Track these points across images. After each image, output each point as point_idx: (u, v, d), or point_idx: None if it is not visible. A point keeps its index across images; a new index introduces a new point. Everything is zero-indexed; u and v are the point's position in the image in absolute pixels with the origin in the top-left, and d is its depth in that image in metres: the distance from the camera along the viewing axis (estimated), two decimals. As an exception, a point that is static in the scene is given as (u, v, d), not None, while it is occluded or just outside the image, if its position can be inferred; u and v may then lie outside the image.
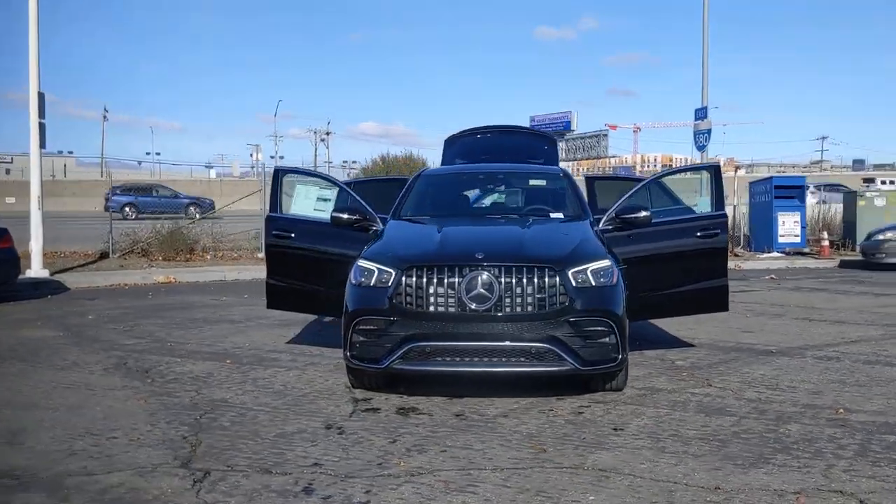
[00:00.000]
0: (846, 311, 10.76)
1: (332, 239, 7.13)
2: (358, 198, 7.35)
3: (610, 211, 6.98)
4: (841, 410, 5.66)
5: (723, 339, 8.52)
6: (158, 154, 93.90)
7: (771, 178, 22.51)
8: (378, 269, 5.82)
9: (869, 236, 17.59)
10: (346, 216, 6.91)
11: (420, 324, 5.60)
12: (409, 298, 5.63)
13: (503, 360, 5.59)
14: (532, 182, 7.77)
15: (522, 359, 5.60)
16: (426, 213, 7.28)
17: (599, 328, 5.66)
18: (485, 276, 5.54)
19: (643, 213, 6.66)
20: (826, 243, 19.71)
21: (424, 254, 5.79)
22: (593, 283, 5.68)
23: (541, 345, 5.55)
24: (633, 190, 7.18)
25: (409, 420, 5.47)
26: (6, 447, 4.92)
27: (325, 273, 7.13)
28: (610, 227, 6.81)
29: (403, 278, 5.65)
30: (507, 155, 8.72)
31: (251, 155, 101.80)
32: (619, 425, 5.31)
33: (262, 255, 18.56)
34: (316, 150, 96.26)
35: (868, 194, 21.71)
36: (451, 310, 5.56)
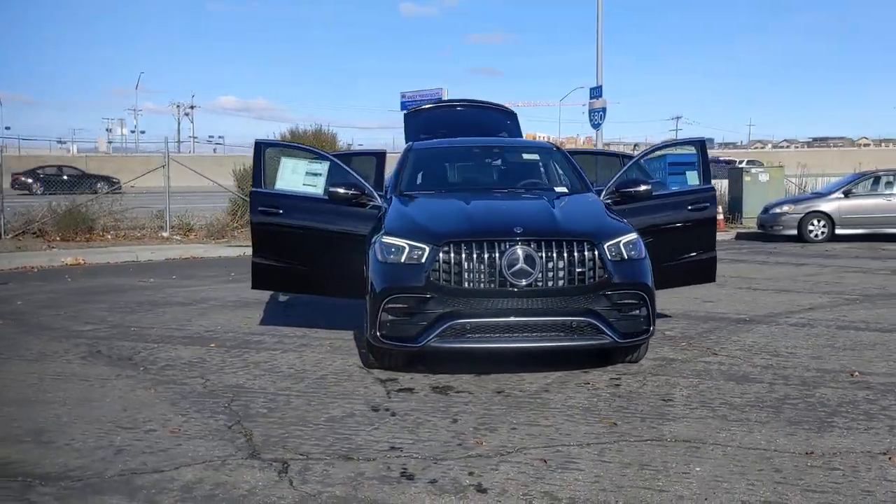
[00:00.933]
0: (781, 280, 11.29)
1: (325, 215, 6.84)
2: (353, 172, 7.07)
3: (609, 184, 7.00)
4: (856, 373, 5.90)
5: (691, 309, 8.75)
6: (8, 129, 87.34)
7: (665, 156, 23.31)
8: (409, 245, 5.62)
9: (766, 210, 18.54)
10: (342, 191, 6.64)
11: (457, 300, 5.46)
12: (445, 275, 5.47)
13: (542, 334, 5.52)
14: (525, 156, 7.69)
15: (561, 333, 5.54)
16: (431, 187, 7.09)
17: (633, 301, 5.68)
18: (525, 250, 5.44)
19: (643, 187, 6.71)
20: (721, 217, 20.63)
21: (460, 229, 5.62)
22: (625, 257, 5.69)
23: (580, 318, 5.52)
24: (626, 166, 7.24)
25: (452, 399, 5.32)
26: (40, 447, 4.45)
27: (318, 251, 6.85)
28: (609, 200, 6.83)
29: (440, 254, 5.47)
30: (474, 129, 8.61)
31: (108, 129, 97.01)
32: (665, 396, 5.34)
33: (166, 234, 17.75)
34: (179, 124, 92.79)
35: (753, 171, 22.92)
36: (490, 285, 5.44)
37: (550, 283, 5.47)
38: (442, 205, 6.33)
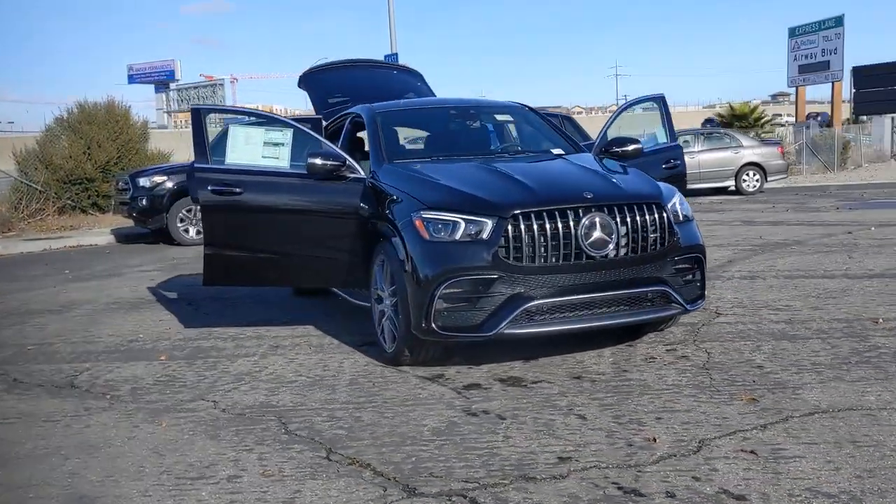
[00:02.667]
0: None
1: (299, 192, 5.80)
2: (324, 140, 6.05)
3: (597, 143, 6.55)
4: (880, 320, 5.94)
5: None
6: None
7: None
8: (464, 219, 4.80)
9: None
10: (321, 162, 5.64)
11: (529, 279, 4.75)
12: (515, 251, 4.74)
13: (619, 309, 4.95)
14: (500, 117, 7.00)
15: (637, 306, 5.01)
16: (421, 155, 6.23)
17: (691, 265, 5.29)
18: (602, 218, 4.83)
19: (633, 146, 6.30)
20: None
21: (526, 197, 4.88)
22: (681, 217, 5.27)
23: (654, 288, 5.03)
24: (606, 125, 6.81)
25: (538, 390, 4.63)
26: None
27: (292, 235, 5.80)
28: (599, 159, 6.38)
29: (509, 227, 4.73)
30: (385, 91, 7.81)
31: None
32: (751, 362, 5.01)
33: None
34: None
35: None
36: (566, 260, 4.79)
37: (625, 253, 4.92)
38: (470, 171, 5.53)
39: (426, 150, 6.41)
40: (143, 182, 13.37)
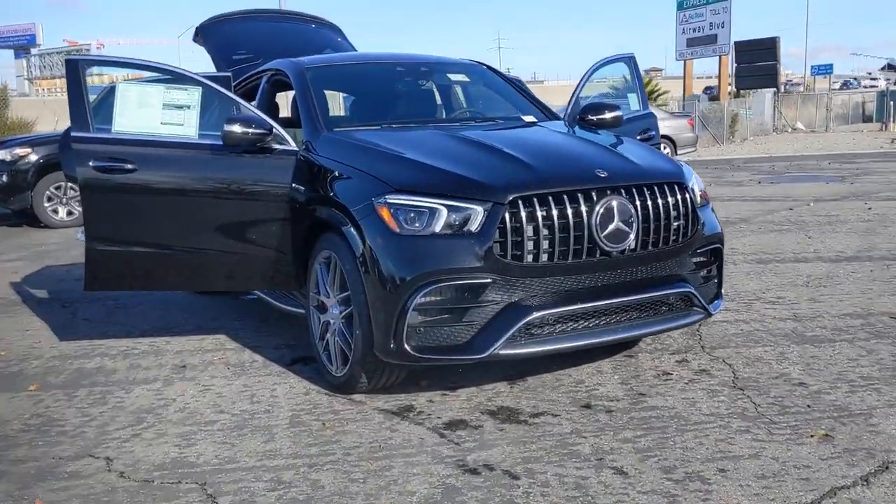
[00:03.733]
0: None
1: (211, 168, 4.52)
2: (243, 102, 4.75)
3: (569, 110, 5.49)
4: (898, 316, 5.17)
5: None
6: None
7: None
8: (447, 206, 3.65)
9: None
10: (241, 130, 4.36)
11: (531, 283, 3.66)
12: (514, 247, 3.63)
13: (635, 319, 3.93)
14: (455, 77, 5.81)
15: (655, 314, 4.00)
16: (365, 121, 5.00)
17: (712, 257, 4.33)
18: (620, 202, 3.78)
19: (612, 114, 5.24)
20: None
21: (524, 177, 3.77)
22: (699, 202, 4.28)
23: (676, 290, 4.02)
24: (576, 90, 5.74)
25: (544, 429, 3.57)
26: None
27: (206, 226, 4.53)
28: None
29: (506, 216, 3.61)
30: (300, 49, 6.53)
31: None
32: (783, 378, 4.09)
33: None
34: None
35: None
36: (577, 257, 3.72)
37: (645, 246, 3.89)
38: (442, 141, 4.37)
39: (369, 116, 5.19)
40: (3, 155, 11.48)
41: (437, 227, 3.62)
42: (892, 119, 35.51)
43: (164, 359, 4.84)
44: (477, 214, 3.61)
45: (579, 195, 3.70)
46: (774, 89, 38.16)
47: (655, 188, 3.91)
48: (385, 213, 3.69)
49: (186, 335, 5.35)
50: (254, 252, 4.54)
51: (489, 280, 3.59)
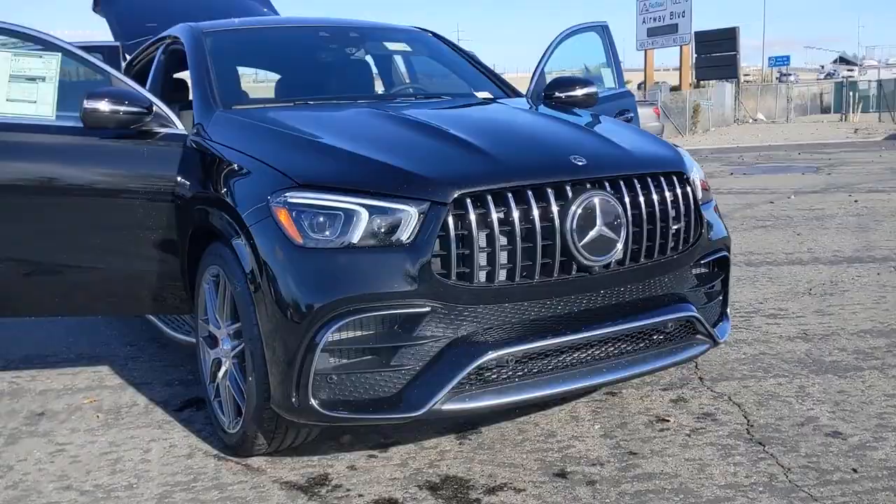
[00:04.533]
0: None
1: (75, 160, 3.49)
2: (119, 74, 3.69)
3: (532, 85, 4.52)
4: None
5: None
6: None
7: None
8: (370, 206, 2.65)
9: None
10: (107, 108, 3.31)
11: (484, 312, 2.68)
12: (461, 263, 2.64)
13: (622, 355, 2.95)
14: (393, 46, 4.78)
15: (649, 347, 3.03)
16: (278, 98, 4.00)
17: (719, 270, 3.39)
18: (605, 199, 2.80)
19: (584, 90, 4.23)
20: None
21: (477, 168, 2.77)
22: (700, 197, 3.31)
23: (676, 315, 3.06)
24: (541, 63, 4.76)
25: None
26: None
27: (67, 234, 3.50)
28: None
29: (449, 220, 2.61)
30: (224, 16, 5.48)
31: None
32: (811, 425, 3.17)
33: None
34: None
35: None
36: (545, 274, 2.74)
37: (637, 258, 2.92)
38: (370, 122, 3.37)
39: (283, 92, 4.17)
40: None
41: (356, 236, 2.62)
42: (851, 110, 35.30)
43: (20, 402, 3.78)
44: (409, 218, 2.62)
45: (549, 191, 2.73)
46: (735, 80, 37.74)
47: (649, 180, 2.95)
48: (284, 217, 2.68)
49: (60, 367, 4.30)
50: (130, 269, 3.51)
51: (427, 309, 2.61)
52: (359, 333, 2.63)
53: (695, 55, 38.12)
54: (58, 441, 3.31)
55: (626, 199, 2.84)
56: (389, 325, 2.63)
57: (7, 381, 4.10)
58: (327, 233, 2.64)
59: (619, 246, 2.81)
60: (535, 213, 2.68)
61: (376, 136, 3.12)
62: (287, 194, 2.70)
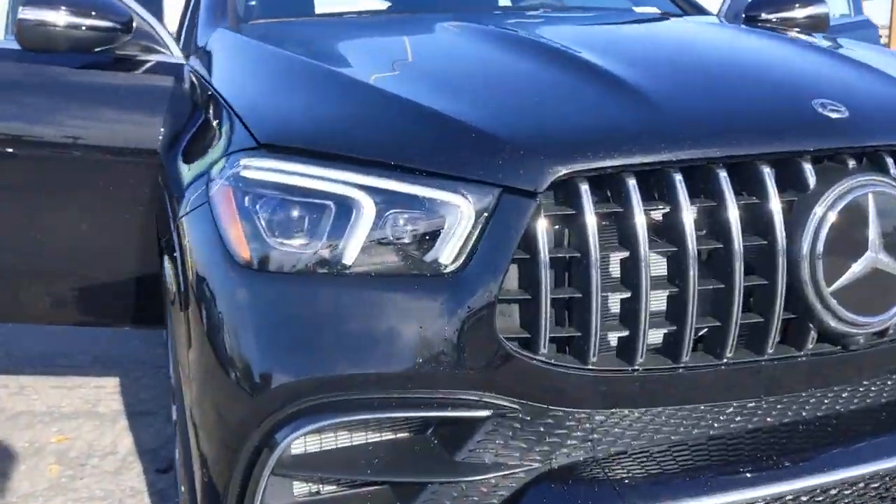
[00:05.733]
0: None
1: (24, 94, 2.29)
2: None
3: (733, 4, 2.95)
4: None
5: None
6: None
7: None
8: (382, 191, 1.30)
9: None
10: (65, 18, 2.11)
11: (616, 423, 1.27)
12: (565, 314, 1.24)
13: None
14: None
15: None
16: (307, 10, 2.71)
17: None
18: (887, 193, 1.29)
19: (807, 10, 2.62)
20: None
21: (614, 125, 1.35)
22: None
23: None
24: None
25: None
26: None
27: (23, 213, 2.38)
28: None
29: (541, 224, 1.22)
30: None
31: None
32: None
33: None
34: None
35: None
36: (751, 345, 1.29)
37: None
38: (448, 44, 1.99)
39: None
40: None
41: (350, 251, 1.28)
42: None
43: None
44: (457, 219, 1.26)
45: (763, 170, 1.26)
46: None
47: None
48: (224, 206, 1.37)
49: (65, 375, 3.27)
50: (108, 265, 2.37)
51: (486, 413, 1.25)
52: (351, 448, 1.30)
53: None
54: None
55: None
56: (409, 446, 1.30)
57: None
58: (297, 242, 1.31)
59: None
60: (732, 216, 1.24)
61: (450, 67, 1.74)
62: (241, 162, 1.39)
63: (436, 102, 1.38)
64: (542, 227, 1.24)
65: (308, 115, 1.48)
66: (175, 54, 2.32)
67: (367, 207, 1.29)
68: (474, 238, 1.26)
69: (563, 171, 1.24)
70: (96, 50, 2.20)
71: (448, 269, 1.26)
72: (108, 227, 2.32)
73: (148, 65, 2.30)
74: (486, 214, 1.25)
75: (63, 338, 3.64)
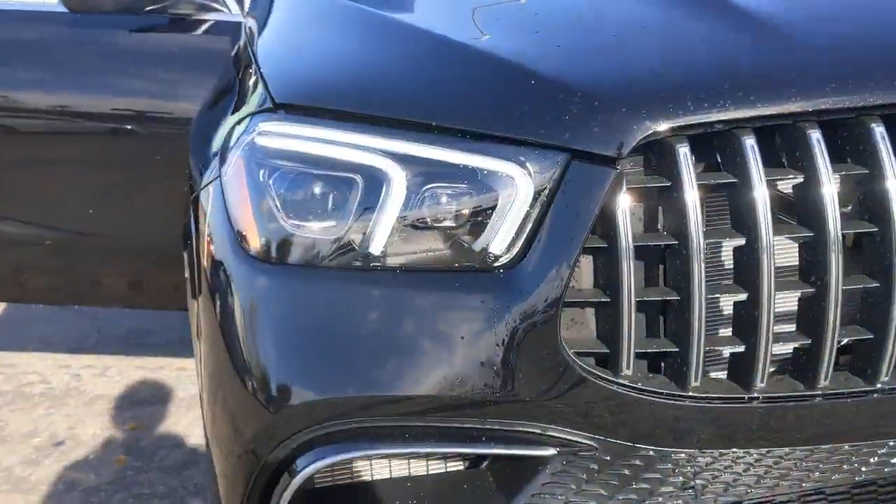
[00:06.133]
0: None
1: (70, 61, 2.12)
2: None
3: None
4: None
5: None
6: None
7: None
8: (415, 160, 1.00)
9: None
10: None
11: (718, 464, 0.93)
12: (665, 322, 0.92)
13: None
14: None
15: None
16: None
17: None
18: None
19: None
20: None
21: (728, 62, 1.01)
22: None
23: None
24: None
25: None
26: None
27: (80, 186, 2.23)
28: None
29: (620, 201, 0.90)
30: None
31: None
32: None
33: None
34: None
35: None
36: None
37: None
38: None
39: None
40: None
41: (378, 237, 0.98)
42: None
43: (57, 413, 2.67)
44: (512, 194, 0.95)
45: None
46: None
47: None
48: (237, 181, 1.11)
49: (144, 355, 3.18)
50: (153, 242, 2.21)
51: (551, 452, 0.93)
52: (386, 483, 1.04)
53: None
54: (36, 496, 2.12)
55: None
56: (456, 479, 1.01)
57: (72, 372, 3.03)
58: (316, 225, 1.05)
59: None
60: (892, 188, 0.88)
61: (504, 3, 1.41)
62: (259, 126, 1.13)
63: (486, 44, 1.08)
64: (625, 204, 0.92)
65: (332, 67, 1.20)
66: (234, 11, 2.10)
67: (398, 181, 1.00)
68: (534, 220, 0.95)
69: (653, 127, 0.92)
70: (147, 10, 2.01)
71: (501, 262, 0.97)
72: (172, 204, 2.14)
73: (205, 25, 2.09)
74: (549, 188, 0.95)
75: (154, 315, 3.56)
